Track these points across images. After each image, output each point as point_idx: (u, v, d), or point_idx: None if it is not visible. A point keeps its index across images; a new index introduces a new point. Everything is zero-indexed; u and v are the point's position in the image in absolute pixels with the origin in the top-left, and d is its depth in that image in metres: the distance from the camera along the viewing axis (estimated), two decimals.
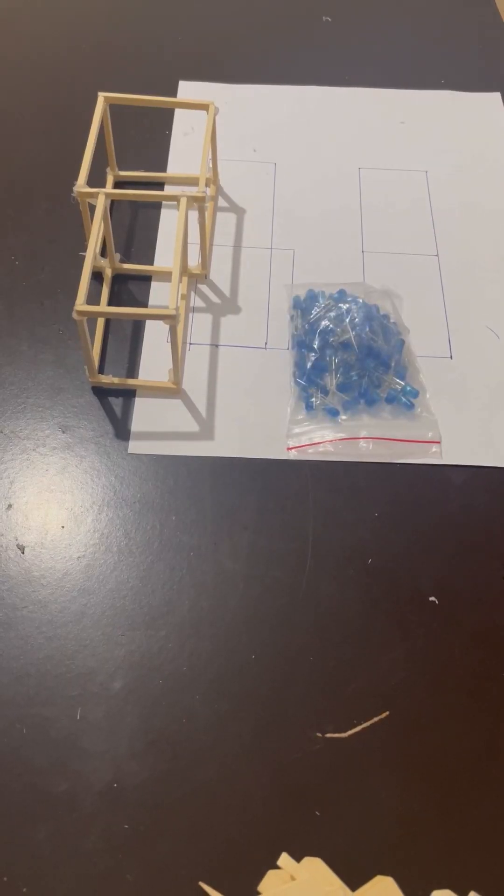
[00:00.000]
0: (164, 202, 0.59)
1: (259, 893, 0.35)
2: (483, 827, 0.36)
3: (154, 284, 0.55)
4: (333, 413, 0.48)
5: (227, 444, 0.48)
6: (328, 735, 0.39)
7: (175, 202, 0.49)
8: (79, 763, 0.38)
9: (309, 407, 0.48)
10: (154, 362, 0.51)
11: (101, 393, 0.50)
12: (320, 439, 0.47)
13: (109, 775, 0.37)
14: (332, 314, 0.50)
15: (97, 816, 0.36)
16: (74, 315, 0.44)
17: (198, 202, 0.50)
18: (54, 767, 0.37)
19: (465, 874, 0.35)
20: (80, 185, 0.50)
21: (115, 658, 0.40)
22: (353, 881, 0.35)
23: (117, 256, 0.55)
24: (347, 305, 0.51)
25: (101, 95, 0.54)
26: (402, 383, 0.49)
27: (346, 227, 0.58)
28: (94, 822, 0.36)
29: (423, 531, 0.44)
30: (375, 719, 0.39)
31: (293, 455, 0.47)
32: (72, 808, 0.37)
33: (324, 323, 0.50)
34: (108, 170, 0.59)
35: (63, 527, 0.45)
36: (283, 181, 0.61)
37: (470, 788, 0.37)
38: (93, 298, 0.53)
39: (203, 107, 0.55)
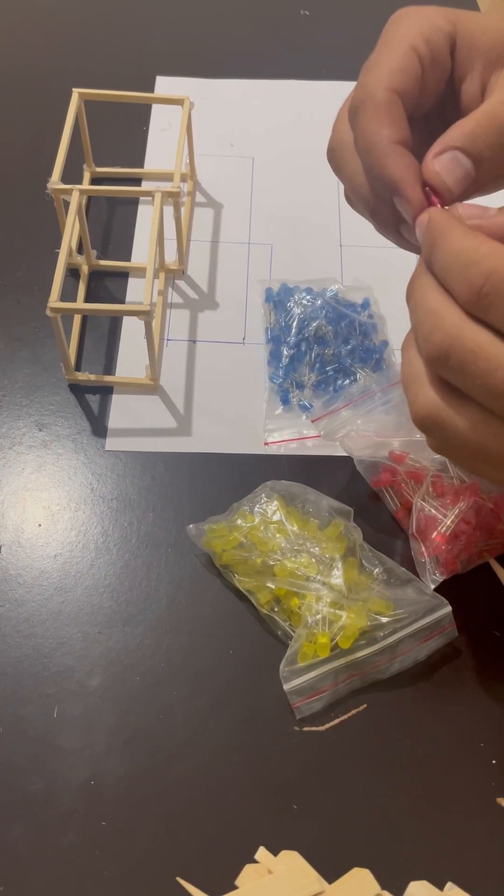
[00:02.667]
0: (140, 198, 0.59)
1: (237, 887, 0.35)
2: (459, 818, 0.37)
3: (131, 281, 0.54)
4: (309, 411, 0.48)
5: (205, 439, 0.48)
6: (305, 728, 0.39)
7: (150, 198, 0.49)
8: (55, 761, 0.38)
9: (285, 402, 0.48)
10: (131, 359, 0.51)
11: (78, 390, 0.49)
12: (297, 435, 0.47)
13: (86, 772, 0.37)
14: (308, 309, 0.50)
15: (74, 813, 0.36)
16: (48, 312, 0.44)
17: (173, 198, 0.50)
18: (31, 765, 0.37)
19: (441, 866, 0.35)
20: (55, 181, 0.49)
21: (93, 655, 0.40)
22: (331, 873, 0.35)
23: (94, 253, 0.54)
24: (323, 300, 0.50)
25: (76, 91, 0.53)
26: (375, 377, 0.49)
27: (323, 222, 0.58)
28: (71, 819, 0.36)
29: None
30: (353, 712, 0.39)
31: (271, 450, 0.47)
32: (48, 805, 0.37)
33: (299, 318, 0.50)
34: (84, 166, 0.59)
35: (40, 525, 0.44)
36: (261, 176, 0.61)
37: (446, 781, 0.38)
38: (69, 295, 0.53)
39: (178, 102, 0.55)
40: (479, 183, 0.34)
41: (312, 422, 0.46)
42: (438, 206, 0.33)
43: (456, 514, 0.41)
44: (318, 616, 0.39)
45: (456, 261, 0.30)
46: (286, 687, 0.38)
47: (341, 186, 0.59)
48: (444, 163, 0.33)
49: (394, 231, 0.37)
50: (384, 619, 0.39)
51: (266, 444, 0.47)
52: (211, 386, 0.50)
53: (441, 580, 0.41)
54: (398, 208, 0.34)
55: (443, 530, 0.41)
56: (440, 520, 0.41)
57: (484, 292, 0.29)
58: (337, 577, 0.40)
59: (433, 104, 0.36)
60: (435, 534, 0.41)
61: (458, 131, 0.33)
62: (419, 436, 0.44)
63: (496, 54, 0.35)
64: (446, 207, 0.33)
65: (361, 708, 0.39)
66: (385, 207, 0.35)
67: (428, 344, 0.31)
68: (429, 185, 0.33)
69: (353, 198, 0.39)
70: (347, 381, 0.48)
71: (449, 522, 0.41)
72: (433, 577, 0.41)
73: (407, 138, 0.34)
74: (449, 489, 0.42)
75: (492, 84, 0.35)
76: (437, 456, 0.43)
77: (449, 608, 0.39)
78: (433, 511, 0.41)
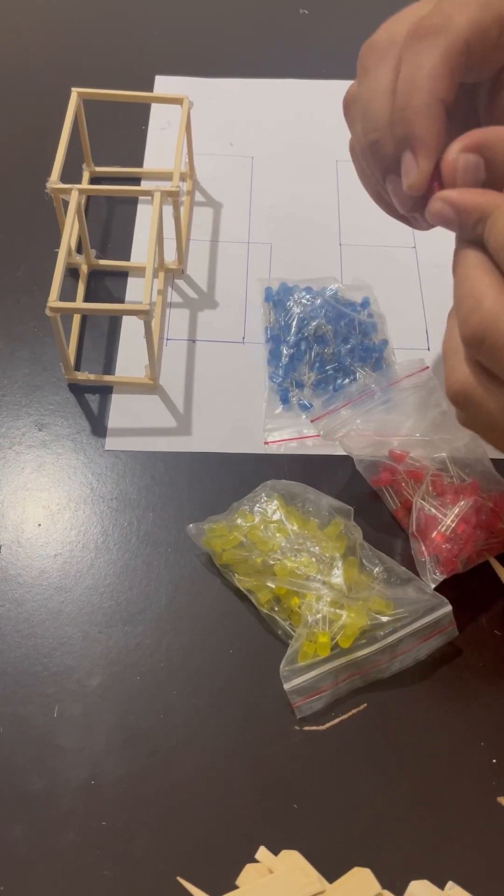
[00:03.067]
0: (140, 197, 0.58)
1: (237, 887, 0.35)
2: (460, 818, 0.37)
3: (130, 280, 0.54)
4: (309, 410, 0.48)
5: (205, 439, 0.48)
6: (306, 728, 0.39)
7: (149, 197, 0.49)
8: (56, 760, 0.38)
9: (285, 401, 0.48)
10: (131, 358, 0.51)
11: (78, 390, 0.49)
12: (297, 434, 0.47)
13: (86, 772, 0.37)
14: (308, 308, 0.50)
15: (74, 813, 0.36)
16: (47, 311, 0.44)
17: (172, 197, 0.50)
18: (31, 765, 0.37)
19: (442, 865, 0.35)
20: (53, 180, 0.49)
21: (93, 655, 0.40)
22: (331, 873, 0.35)
23: (93, 252, 0.54)
24: (322, 299, 0.50)
25: (75, 91, 0.53)
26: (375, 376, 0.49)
27: (323, 220, 0.58)
28: (71, 819, 0.36)
29: None
30: (353, 711, 0.39)
31: (271, 449, 0.47)
32: (49, 805, 0.37)
33: (299, 317, 0.50)
34: (83, 166, 0.59)
35: (39, 525, 0.44)
36: (261, 175, 0.61)
37: (447, 780, 0.37)
38: (69, 295, 0.53)
39: (177, 101, 0.55)
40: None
41: (312, 421, 0.46)
42: (433, 191, 0.32)
43: (456, 514, 0.41)
44: (319, 615, 0.39)
45: None
46: (286, 686, 0.38)
47: (341, 186, 0.60)
48: (467, 165, 0.32)
49: (379, 181, 0.36)
50: (384, 619, 0.39)
51: (266, 443, 0.47)
52: (210, 385, 0.50)
53: (441, 579, 0.41)
54: (402, 172, 0.33)
55: (443, 529, 0.41)
56: (440, 519, 0.41)
57: None
58: (337, 577, 0.40)
59: (486, 77, 0.34)
60: (435, 533, 0.41)
61: (493, 135, 0.32)
62: (419, 435, 0.44)
63: None
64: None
65: (362, 707, 0.39)
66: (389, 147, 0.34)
67: (465, 325, 0.30)
68: (442, 166, 0.32)
69: (357, 147, 0.37)
70: (347, 381, 0.48)
71: (449, 522, 0.41)
72: (433, 577, 0.40)
73: (451, 95, 0.32)
74: (449, 488, 0.42)
75: None
76: (438, 455, 0.43)
77: (449, 607, 0.39)
78: (433, 510, 0.41)
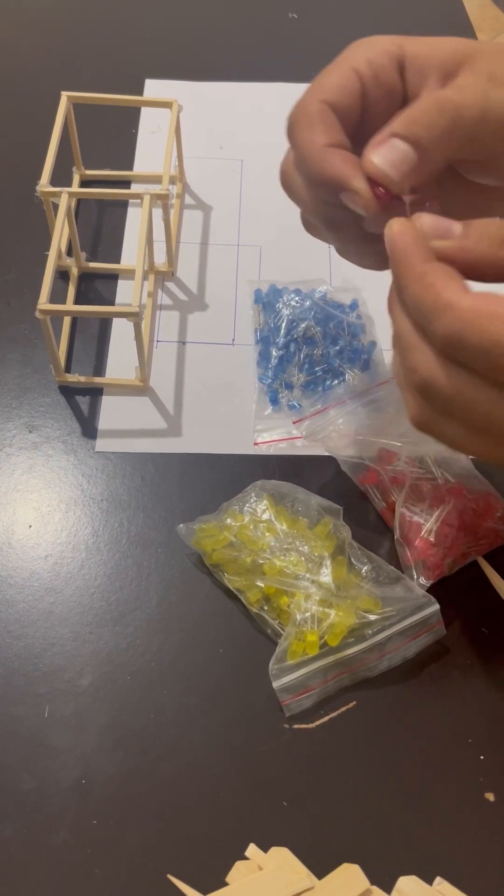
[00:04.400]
0: (130, 200, 0.59)
1: (227, 884, 0.35)
2: (448, 814, 0.37)
3: (121, 283, 0.55)
4: (298, 411, 0.48)
5: (195, 440, 0.48)
6: (295, 726, 0.39)
7: (139, 200, 0.50)
8: (47, 760, 0.38)
9: (274, 402, 0.49)
10: (121, 360, 0.51)
11: (68, 392, 0.50)
12: (287, 435, 0.48)
13: (77, 772, 0.38)
14: (297, 310, 0.50)
15: (65, 812, 0.37)
16: (37, 314, 0.45)
17: (161, 200, 0.50)
18: (22, 765, 0.38)
19: (430, 860, 0.36)
20: (43, 184, 0.50)
21: (83, 655, 0.41)
22: (320, 869, 0.35)
23: (83, 255, 0.55)
24: (312, 301, 0.51)
25: (65, 94, 0.54)
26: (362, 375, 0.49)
27: None
28: (63, 818, 0.36)
29: None
30: (342, 709, 0.39)
31: (260, 450, 0.47)
32: (40, 804, 0.37)
33: (288, 319, 0.50)
34: (73, 169, 0.59)
35: (30, 526, 0.45)
36: (250, 178, 0.61)
37: (435, 776, 0.38)
38: (59, 297, 0.53)
39: (167, 105, 0.55)
40: (427, 168, 0.33)
41: (294, 423, 0.46)
42: (385, 198, 0.33)
43: (435, 518, 0.41)
44: (307, 614, 0.39)
45: (420, 305, 0.30)
46: (275, 685, 0.39)
47: None
48: (380, 150, 0.33)
49: (357, 240, 0.37)
50: (372, 617, 0.39)
51: (256, 444, 0.48)
52: (201, 387, 0.50)
53: (428, 584, 0.41)
54: (351, 207, 0.34)
55: (425, 535, 0.41)
56: (423, 525, 0.41)
57: (450, 345, 0.29)
58: (326, 576, 0.40)
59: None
60: (418, 539, 0.41)
61: (394, 120, 0.33)
62: (401, 435, 0.44)
63: (447, 69, 0.35)
64: (416, 216, 0.32)
65: (351, 705, 0.39)
66: (339, 213, 0.35)
67: (410, 377, 0.32)
68: (369, 177, 0.33)
69: (308, 217, 0.39)
70: (336, 382, 0.49)
71: (429, 526, 0.41)
72: (420, 583, 0.41)
73: (342, 143, 0.34)
74: (430, 493, 0.42)
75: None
76: (419, 455, 0.44)
77: (437, 606, 0.40)
78: (415, 517, 0.42)
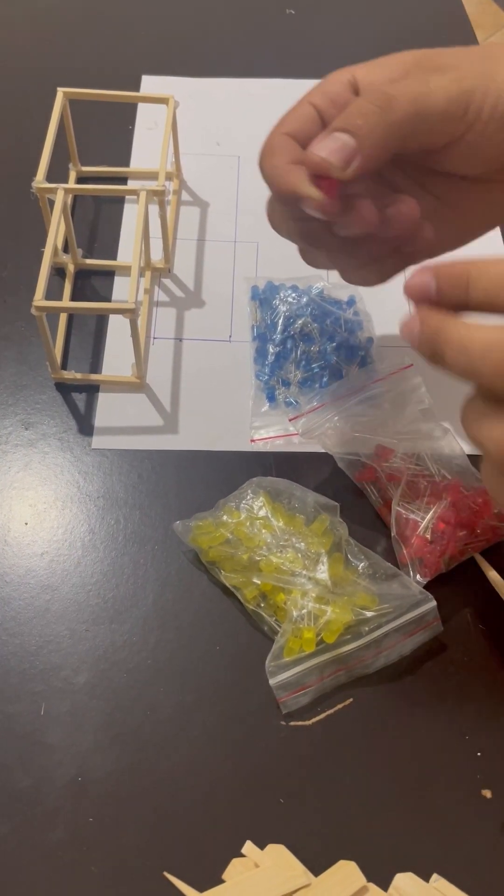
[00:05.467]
0: (126, 197, 0.59)
1: (224, 881, 0.35)
2: (445, 810, 0.37)
3: (117, 279, 0.54)
4: (295, 408, 0.48)
5: (192, 437, 0.48)
6: (292, 723, 0.39)
7: (135, 196, 0.49)
8: (43, 758, 0.38)
9: (271, 399, 0.48)
10: (118, 357, 0.51)
11: (64, 389, 0.50)
12: (283, 432, 0.47)
13: (74, 769, 0.37)
14: (294, 306, 0.50)
15: (61, 810, 0.37)
16: (33, 310, 0.44)
17: (158, 196, 0.50)
18: (18, 763, 0.38)
19: (427, 857, 0.36)
20: (39, 180, 0.49)
21: (79, 653, 0.40)
22: (317, 866, 0.35)
23: (80, 252, 0.55)
24: (308, 297, 0.51)
25: (61, 91, 0.54)
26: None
27: None
28: (59, 815, 0.36)
29: None
30: (339, 706, 0.39)
31: (257, 447, 0.47)
32: (36, 802, 0.37)
33: (285, 315, 0.50)
34: (70, 165, 0.59)
35: (26, 523, 0.45)
36: (247, 174, 0.61)
37: (432, 773, 0.38)
38: (55, 294, 0.53)
39: (163, 101, 0.55)
40: (369, 154, 0.35)
41: (290, 420, 0.46)
42: (332, 191, 0.35)
43: (431, 515, 0.41)
44: (304, 611, 0.39)
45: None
46: (272, 682, 0.38)
47: None
48: (321, 143, 0.35)
49: (349, 255, 0.39)
50: (369, 614, 0.39)
51: (252, 440, 0.47)
52: (197, 384, 0.50)
53: (425, 582, 0.41)
54: (312, 214, 0.36)
55: (421, 532, 0.41)
56: (419, 522, 0.41)
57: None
58: (322, 572, 0.40)
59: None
60: (414, 537, 0.41)
61: (344, 115, 0.36)
62: (398, 432, 0.44)
63: (395, 77, 0.36)
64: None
65: (347, 702, 0.39)
66: (315, 227, 0.38)
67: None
68: (316, 173, 0.35)
69: (300, 245, 0.41)
70: (333, 378, 0.48)
71: (425, 524, 0.41)
72: (417, 580, 0.41)
73: (290, 150, 0.37)
74: (427, 490, 0.42)
75: None
76: (415, 453, 0.44)
77: (434, 603, 0.40)
78: (411, 514, 0.42)
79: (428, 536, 0.41)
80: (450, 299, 0.32)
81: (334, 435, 0.44)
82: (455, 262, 0.32)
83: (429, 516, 0.41)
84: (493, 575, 0.42)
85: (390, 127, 0.35)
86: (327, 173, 0.35)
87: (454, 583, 0.42)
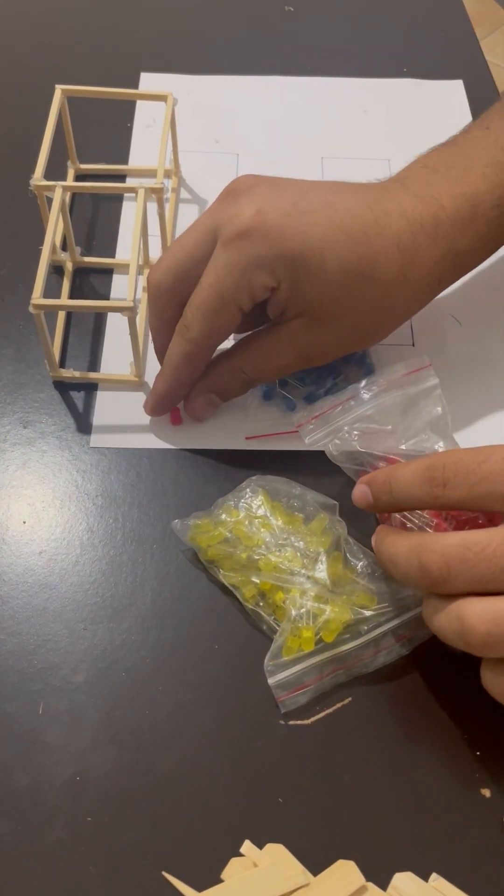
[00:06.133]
0: (125, 195, 0.58)
1: (222, 881, 0.35)
2: (444, 810, 0.37)
3: (116, 277, 0.54)
4: (290, 405, 0.48)
5: (190, 435, 0.48)
6: (291, 722, 0.39)
7: (134, 194, 0.49)
8: (41, 757, 0.38)
9: (267, 397, 0.48)
10: (116, 356, 0.51)
11: (63, 387, 0.49)
12: (279, 429, 0.47)
13: (72, 768, 0.37)
14: None
15: (60, 809, 0.36)
16: (31, 308, 0.44)
17: (156, 194, 0.50)
18: (17, 762, 0.37)
19: (426, 857, 0.36)
20: (37, 178, 0.49)
21: (78, 652, 0.40)
22: (316, 866, 0.35)
23: (78, 250, 0.54)
24: None
25: (59, 88, 0.53)
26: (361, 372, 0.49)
27: None
28: (57, 815, 0.36)
29: None
30: (338, 705, 0.39)
31: (253, 445, 0.47)
32: (34, 801, 0.37)
33: None
34: (68, 163, 0.59)
35: (24, 522, 0.44)
36: (246, 171, 0.60)
37: (431, 773, 0.38)
38: (53, 292, 0.53)
39: (161, 98, 0.55)
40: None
41: (297, 427, 0.45)
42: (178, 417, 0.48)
43: (429, 522, 0.41)
44: (303, 610, 0.39)
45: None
46: (271, 681, 0.38)
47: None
48: (201, 405, 0.47)
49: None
50: (368, 613, 0.39)
51: (247, 438, 0.47)
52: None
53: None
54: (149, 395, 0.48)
55: None
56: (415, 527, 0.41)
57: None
58: (321, 571, 0.40)
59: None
60: None
61: (216, 381, 0.46)
62: (404, 447, 0.44)
63: (298, 310, 0.43)
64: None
65: (346, 701, 0.39)
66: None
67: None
68: (189, 414, 0.48)
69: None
70: (330, 378, 0.48)
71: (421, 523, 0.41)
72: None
73: (198, 373, 0.46)
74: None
75: (280, 329, 0.44)
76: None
77: None
78: (411, 523, 0.41)
79: None
80: (381, 503, 0.39)
81: (340, 445, 0.44)
82: (381, 471, 0.39)
83: (429, 525, 0.41)
84: None
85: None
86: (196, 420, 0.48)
87: None
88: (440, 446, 0.44)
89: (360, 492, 0.39)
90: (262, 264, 0.40)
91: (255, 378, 0.46)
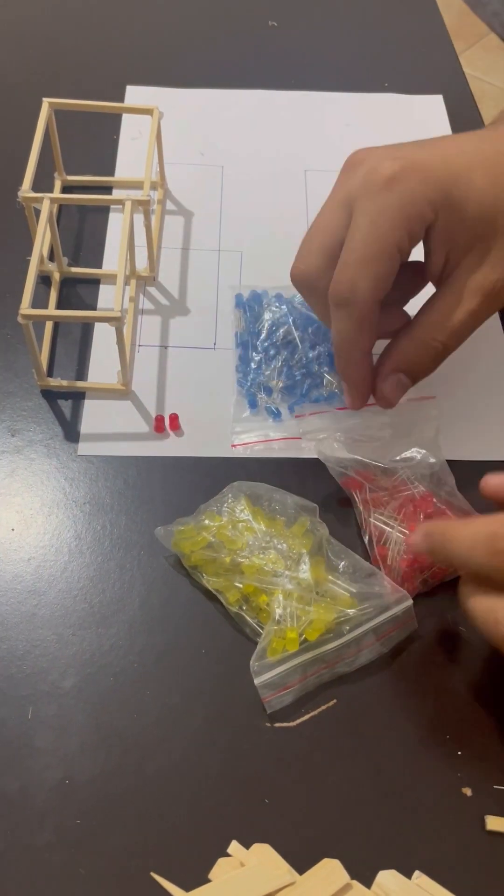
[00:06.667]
0: (112, 206, 0.59)
1: (210, 881, 0.35)
2: (427, 809, 0.38)
3: (102, 287, 0.55)
4: (276, 415, 0.49)
5: (177, 443, 0.49)
6: (276, 725, 0.39)
7: (120, 206, 0.50)
8: (30, 761, 0.38)
9: (253, 405, 0.49)
10: (103, 365, 0.51)
11: (51, 396, 0.50)
12: (264, 437, 0.48)
13: (61, 772, 0.38)
14: (277, 314, 0.51)
15: (49, 813, 0.37)
16: (19, 318, 0.45)
17: (142, 205, 0.51)
18: (5, 766, 0.38)
19: (409, 855, 0.36)
20: (25, 189, 0.50)
21: (66, 657, 0.41)
22: (301, 865, 0.36)
23: (65, 260, 0.55)
24: (291, 306, 0.52)
25: (46, 101, 0.54)
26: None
27: (292, 229, 0.59)
28: (47, 818, 0.37)
29: None
30: (323, 707, 0.40)
31: (238, 452, 0.48)
32: (23, 805, 0.37)
33: (269, 323, 0.51)
34: (55, 175, 0.59)
35: (13, 529, 0.45)
36: (231, 184, 0.62)
37: (413, 772, 0.39)
38: (41, 302, 0.53)
39: (147, 111, 0.56)
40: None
41: (296, 417, 0.46)
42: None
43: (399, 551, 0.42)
44: (287, 611, 0.40)
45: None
46: (257, 681, 0.39)
47: (309, 195, 0.61)
48: (390, 387, 0.44)
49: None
50: (350, 612, 0.40)
51: (234, 445, 0.48)
52: (182, 390, 0.51)
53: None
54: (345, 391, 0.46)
55: (392, 561, 0.42)
56: (394, 550, 0.42)
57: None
58: (304, 573, 0.41)
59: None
60: (388, 562, 0.42)
61: (401, 358, 0.43)
62: (397, 458, 0.45)
63: (463, 242, 0.40)
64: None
65: (331, 703, 0.40)
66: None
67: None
68: (378, 402, 0.45)
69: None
70: (314, 385, 0.49)
71: (398, 550, 0.42)
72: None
73: (374, 342, 0.43)
74: (406, 510, 0.43)
75: (453, 277, 0.42)
76: (402, 473, 0.45)
77: (410, 602, 0.40)
78: (389, 536, 0.42)
79: (404, 563, 0.42)
80: (436, 559, 0.40)
81: (331, 445, 0.45)
82: (435, 525, 0.38)
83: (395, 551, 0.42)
84: None
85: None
86: (386, 406, 0.45)
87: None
88: (431, 461, 0.45)
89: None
90: (417, 199, 0.39)
91: (447, 341, 0.42)
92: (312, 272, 0.42)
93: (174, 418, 0.49)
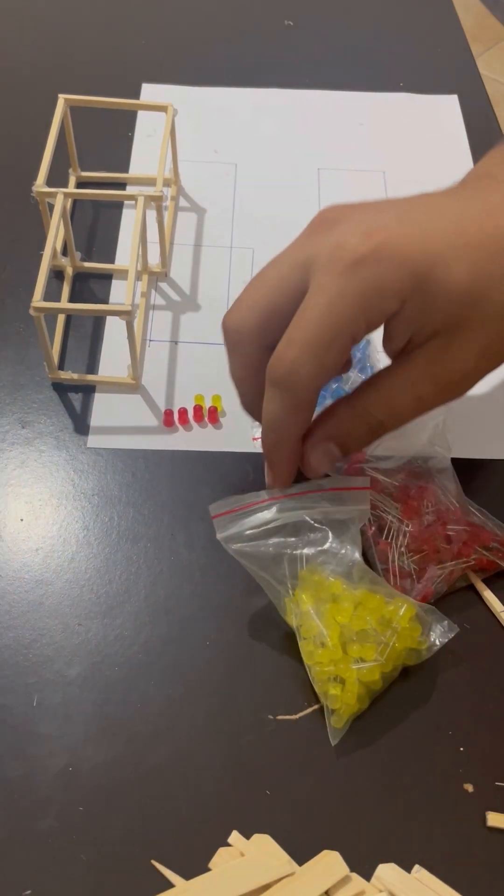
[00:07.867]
0: (125, 202, 0.60)
1: (210, 870, 0.36)
2: (427, 804, 0.38)
3: (114, 282, 0.56)
4: None
5: (185, 437, 0.49)
6: (279, 717, 0.40)
7: (133, 202, 0.50)
8: (35, 748, 0.38)
9: None
10: (114, 359, 0.52)
11: (61, 389, 0.51)
12: None
13: (65, 759, 0.38)
14: None
15: (52, 799, 0.37)
16: (31, 311, 0.45)
17: (155, 202, 0.51)
18: (10, 753, 0.38)
19: (409, 849, 0.36)
20: (39, 184, 0.51)
21: (72, 646, 0.41)
22: (301, 856, 0.36)
23: (78, 255, 0.56)
24: None
25: (62, 97, 0.55)
26: (362, 378, 0.50)
27: (304, 227, 0.59)
28: (50, 804, 0.37)
29: None
30: (325, 701, 0.40)
31: (257, 445, 0.48)
32: (27, 791, 0.37)
33: None
34: (70, 170, 0.60)
35: (21, 520, 0.45)
36: (244, 182, 0.62)
37: (415, 767, 0.39)
38: (53, 296, 0.54)
39: (162, 109, 0.56)
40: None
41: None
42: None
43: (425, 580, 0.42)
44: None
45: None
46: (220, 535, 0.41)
47: (322, 193, 0.61)
48: (318, 457, 0.40)
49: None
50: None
51: (255, 439, 0.48)
52: (192, 385, 0.51)
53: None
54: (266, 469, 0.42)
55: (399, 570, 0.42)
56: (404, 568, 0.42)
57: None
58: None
59: None
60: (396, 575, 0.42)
61: (336, 425, 0.40)
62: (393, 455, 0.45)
63: (430, 328, 0.37)
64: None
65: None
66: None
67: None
68: (303, 470, 0.41)
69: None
70: (334, 382, 0.49)
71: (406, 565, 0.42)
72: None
73: (307, 426, 0.39)
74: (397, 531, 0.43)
75: (411, 357, 0.38)
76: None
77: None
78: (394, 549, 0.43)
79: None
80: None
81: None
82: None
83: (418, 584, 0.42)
84: (477, 581, 0.43)
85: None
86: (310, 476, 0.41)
87: None
88: (437, 458, 0.45)
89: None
90: (384, 289, 0.35)
91: (386, 421, 0.39)
92: (247, 329, 0.38)
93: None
